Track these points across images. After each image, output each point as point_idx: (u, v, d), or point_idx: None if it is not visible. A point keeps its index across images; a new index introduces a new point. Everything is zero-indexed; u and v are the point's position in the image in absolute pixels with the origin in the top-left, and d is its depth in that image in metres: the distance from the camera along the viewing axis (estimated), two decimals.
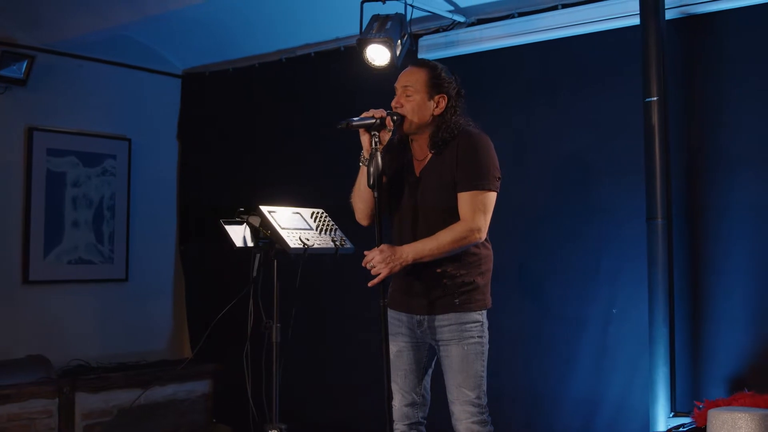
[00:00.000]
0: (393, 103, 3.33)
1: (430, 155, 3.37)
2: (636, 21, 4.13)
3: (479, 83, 4.89)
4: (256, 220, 3.76)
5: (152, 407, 5.63)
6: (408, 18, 4.64)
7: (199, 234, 6.31)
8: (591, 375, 4.43)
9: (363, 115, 3.23)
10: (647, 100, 3.99)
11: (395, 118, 3.25)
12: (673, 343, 3.93)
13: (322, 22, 5.44)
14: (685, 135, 4.15)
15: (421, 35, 5.10)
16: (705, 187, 4.10)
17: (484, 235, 3.27)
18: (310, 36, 5.67)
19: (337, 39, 5.53)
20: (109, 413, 5.41)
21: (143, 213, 6.32)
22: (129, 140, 6.21)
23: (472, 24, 4.96)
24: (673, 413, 3.84)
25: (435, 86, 3.34)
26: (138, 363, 5.97)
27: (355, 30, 4.64)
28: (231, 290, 3.95)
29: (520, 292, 4.72)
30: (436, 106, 3.35)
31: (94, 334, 6.00)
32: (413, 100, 3.31)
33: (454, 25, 5.01)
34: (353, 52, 4.63)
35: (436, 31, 5.08)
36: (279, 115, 5.97)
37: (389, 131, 3.24)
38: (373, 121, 3.19)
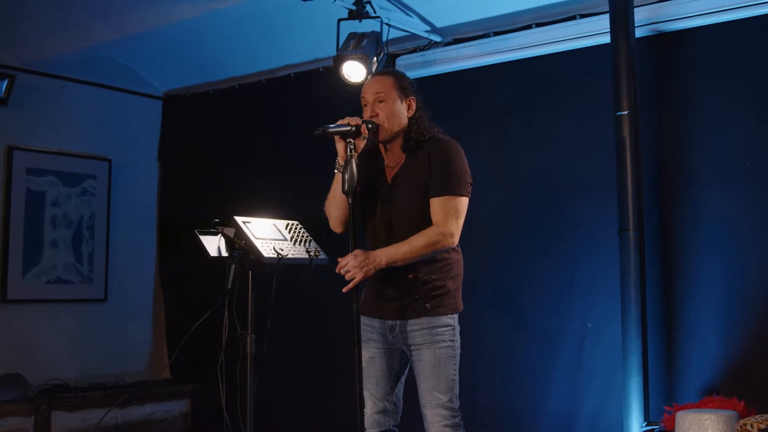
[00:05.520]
0: (367, 114, 3.38)
1: (402, 162, 3.42)
2: (607, 39, 4.21)
3: (456, 101, 4.98)
4: (230, 231, 3.78)
5: (130, 427, 5.61)
6: (385, 38, 4.71)
7: (178, 250, 6.31)
8: (567, 390, 4.45)
9: (339, 123, 3.28)
10: (618, 113, 4.05)
11: (370, 126, 3.31)
12: (646, 354, 3.96)
13: (300, 44, 5.51)
14: (656, 149, 4.22)
15: (399, 55, 5.18)
16: (676, 200, 4.16)
17: (456, 240, 3.30)
18: (289, 57, 5.74)
19: (317, 60, 5.60)
20: None
21: (123, 233, 6.32)
22: (109, 161, 6.24)
23: (449, 43, 5.04)
24: (646, 423, 3.86)
25: (403, 89, 3.42)
26: (116, 384, 5.94)
27: (333, 51, 4.69)
28: (208, 306, 3.97)
29: (495, 308, 4.74)
30: (409, 108, 3.42)
31: (73, 355, 5.97)
32: (387, 107, 3.36)
33: (431, 45, 5.09)
34: (331, 72, 4.68)
35: (414, 50, 5.16)
36: (259, 135, 6.02)
37: (364, 139, 3.29)
38: (349, 128, 3.24)
